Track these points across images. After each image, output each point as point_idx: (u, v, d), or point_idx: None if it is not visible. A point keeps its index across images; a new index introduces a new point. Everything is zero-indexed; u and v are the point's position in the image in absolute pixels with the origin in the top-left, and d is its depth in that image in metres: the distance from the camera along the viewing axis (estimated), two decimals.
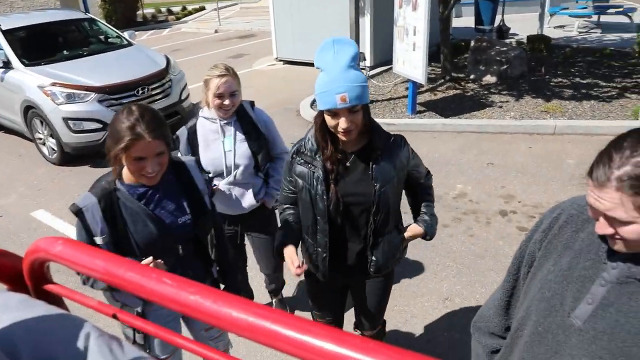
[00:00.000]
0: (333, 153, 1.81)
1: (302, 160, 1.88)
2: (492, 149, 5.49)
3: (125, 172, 1.72)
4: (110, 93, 5.63)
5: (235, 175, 2.49)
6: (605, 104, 6.29)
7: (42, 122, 5.77)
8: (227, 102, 2.33)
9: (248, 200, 2.57)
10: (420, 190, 2.08)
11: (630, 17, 10.30)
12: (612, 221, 0.99)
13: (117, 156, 1.61)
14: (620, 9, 10.73)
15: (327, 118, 1.72)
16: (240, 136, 2.46)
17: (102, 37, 7.30)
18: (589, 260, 1.11)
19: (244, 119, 2.49)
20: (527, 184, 4.64)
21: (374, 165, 1.81)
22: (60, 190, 5.21)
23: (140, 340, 1.87)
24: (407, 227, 2.05)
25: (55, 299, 0.69)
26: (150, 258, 1.65)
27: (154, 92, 5.99)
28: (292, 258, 1.83)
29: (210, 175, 2.46)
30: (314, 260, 2.00)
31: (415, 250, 3.69)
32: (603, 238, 1.08)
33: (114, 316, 0.66)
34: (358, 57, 1.72)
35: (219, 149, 2.44)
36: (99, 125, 5.56)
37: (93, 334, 0.54)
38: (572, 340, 1.10)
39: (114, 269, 0.58)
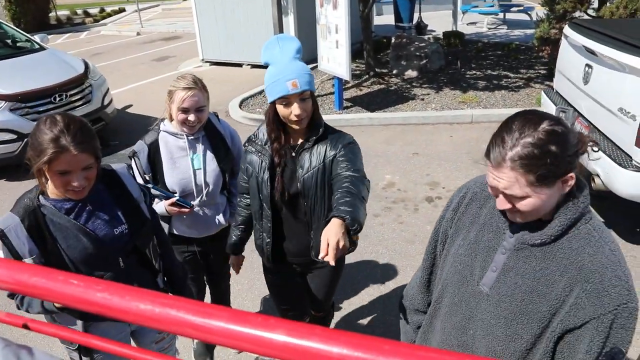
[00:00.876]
0: (283, 145, 1.90)
1: (253, 149, 1.98)
2: (417, 139, 5.80)
3: (50, 186, 1.61)
4: (23, 101, 5.27)
5: (204, 195, 2.29)
6: (514, 93, 6.86)
7: None
8: (192, 117, 2.13)
9: (217, 221, 2.40)
10: (347, 181, 1.81)
11: (529, 15, 11.26)
12: (510, 197, 1.09)
13: (39, 170, 1.51)
14: (521, 7, 11.72)
15: (280, 108, 1.80)
16: (209, 153, 2.27)
17: (8, 41, 6.79)
18: (492, 232, 1.23)
19: (212, 133, 2.30)
20: (449, 170, 4.96)
21: (301, 154, 1.90)
22: None
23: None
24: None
25: None
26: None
27: (73, 99, 5.68)
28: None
29: (176, 195, 2.25)
30: (260, 245, 2.08)
31: None
32: (502, 211, 1.19)
33: (25, 326, 0.61)
34: (301, 51, 1.83)
35: (187, 167, 2.23)
36: (13, 136, 5.19)
37: None
38: (482, 305, 1.22)
39: (17, 275, 0.53)
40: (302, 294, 2.29)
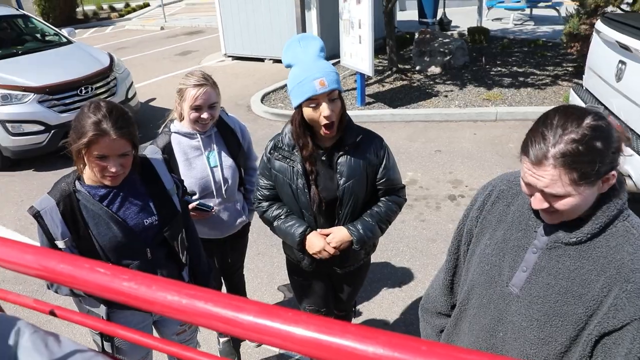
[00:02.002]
0: (313, 150, 1.79)
1: (280, 156, 1.86)
2: (439, 136, 5.71)
3: (86, 172, 1.64)
4: (50, 93, 5.38)
5: (224, 193, 2.25)
6: (540, 91, 6.69)
7: None
8: (205, 115, 2.06)
9: (238, 217, 2.36)
10: (379, 199, 1.97)
11: (558, 11, 10.96)
12: (548, 196, 1.03)
13: (79, 152, 1.54)
14: (549, 3, 11.41)
15: (308, 111, 1.70)
16: (224, 149, 2.23)
17: (38, 35, 6.95)
18: (521, 231, 1.18)
19: (223, 129, 2.24)
20: (473, 168, 4.88)
21: (339, 160, 1.81)
22: (2, 197, 4.95)
23: (108, 348, 1.79)
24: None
25: None
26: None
27: (98, 92, 5.78)
28: (321, 242, 1.84)
29: (196, 196, 2.21)
30: (299, 249, 1.96)
31: None
32: (534, 210, 1.14)
33: (51, 313, 0.63)
34: (324, 49, 1.74)
35: (204, 166, 2.18)
36: (41, 127, 5.31)
37: (26, 331, 0.52)
38: (512, 307, 1.17)
39: (45, 262, 0.54)
40: (328, 294, 2.23)
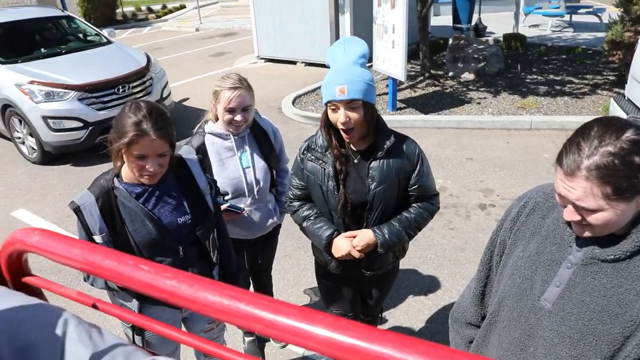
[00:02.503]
0: (340, 151, 1.81)
1: (313, 157, 1.88)
2: (471, 144, 5.62)
3: (124, 170, 1.69)
4: (90, 91, 5.57)
5: (255, 194, 2.27)
6: (578, 100, 6.50)
7: (20, 121, 5.68)
8: (238, 117, 2.10)
9: (269, 218, 2.39)
10: (410, 205, 1.95)
11: (599, 17, 10.62)
12: (580, 209, 1.01)
13: (119, 151, 1.59)
14: (590, 9, 11.06)
15: (329, 112, 1.75)
16: (256, 150, 2.26)
17: (80, 35, 7.21)
18: (555, 245, 1.15)
19: (256, 130, 2.28)
20: (505, 177, 4.77)
21: (371, 164, 1.81)
22: (41, 190, 5.15)
23: (138, 342, 1.83)
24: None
25: (34, 291, 0.69)
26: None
27: (135, 90, 5.94)
28: (347, 245, 1.85)
29: (229, 197, 2.24)
30: (325, 251, 1.96)
31: None
32: (568, 223, 1.11)
33: (94, 306, 0.65)
34: (367, 56, 1.74)
35: (237, 166, 2.21)
36: (80, 124, 5.50)
37: (72, 322, 0.54)
38: (543, 322, 1.14)
39: (91, 257, 0.56)
40: (356, 299, 2.22)
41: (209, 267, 1.92)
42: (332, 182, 1.83)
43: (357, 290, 2.21)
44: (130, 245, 1.70)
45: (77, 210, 1.65)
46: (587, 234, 1.06)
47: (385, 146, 1.81)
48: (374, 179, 1.81)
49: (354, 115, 1.70)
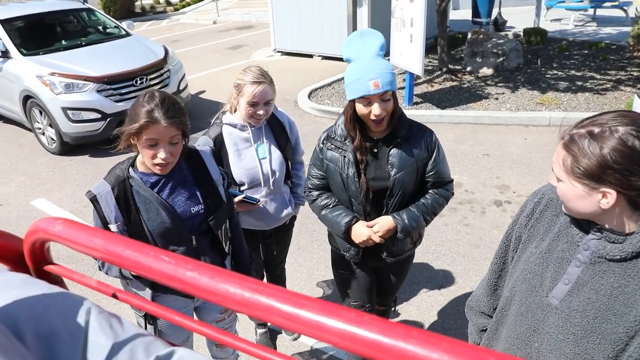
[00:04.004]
0: (362, 142, 1.86)
1: (333, 146, 1.94)
2: (488, 140, 5.55)
3: (139, 160, 1.73)
4: (108, 83, 5.64)
5: (271, 185, 2.29)
6: (599, 97, 6.36)
7: (41, 112, 5.78)
8: (261, 111, 2.12)
9: (285, 210, 2.40)
10: (426, 191, 2.01)
11: (625, 11, 10.35)
12: (555, 174, 1.09)
13: (130, 137, 1.62)
14: (616, 3, 10.77)
15: (359, 106, 1.78)
16: (273, 142, 2.29)
17: (100, 27, 7.29)
18: (566, 243, 1.16)
19: (273, 122, 2.30)
20: (521, 174, 4.71)
21: (391, 151, 1.87)
22: (60, 180, 5.24)
23: (150, 330, 1.86)
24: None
25: (55, 279, 0.69)
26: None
27: (152, 82, 6.00)
28: (367, 230, 1.90)
29: (245, 187, 2.26)
30: (344, 239, 1.99)
31: None
32: (575, 222, 1.13)
33: (114, 295, 0.65)
34: (384, 47, 1.79)
35: (253, 157, 2.23)
36: (98, 115, 5.58)
37: (93, 311, 0.54)
38: (550, 318, 1.15)
39: (112, 247, 0.57)
40: (372, 289, 2.24)
41: (221, 257, 1.95)
42: (352, 169, 1.88)
43: (374, 280, 2.23)
44: (144, 234, 1.73)
45: (94, 199, 1.68)
46: (563, 208, 1.13)
47: (404, 134, 1.87)
48: (393, 166, 1.87)
49: (387, 106, 1.77)
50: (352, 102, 1.80)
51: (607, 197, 0.99)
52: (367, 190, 1.90)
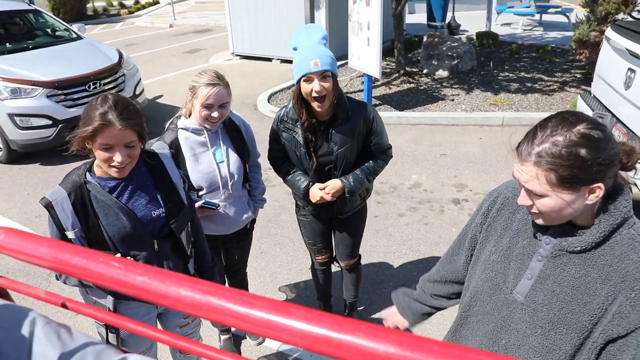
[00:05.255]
0: (309, 122, 2.16)
1: (285, 128, 2.26)
2: (445, 140, 5.70)
3: (96, 164, 1.68)
4: (59, 88, 5.41)
5: (230, 188, 2.28)
6: (548, 97, 6.67)
7: None
8: (215, 114, 2.09)
9: (244, 213, 2.39)
10: (369, 157, 2.38)
11: (568, 17, 10.92)
12: (530, 194, 1.07)
13: (84, 140, 1.56)
14: (559, 9, 11.37)
15: (303, 85, 2.06)
16: (230, 145, 2.27)
17: (49, 30, 6.99)
18: (527, 239, 1.18)
19: (229, 125, 2.29)
20: (478, 173, 4.87)
21: (333, 131, 2.19)
22: (8, 190, 4.99)
23: (112, 340, 1.80)
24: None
25: (0, 292, 0.67)
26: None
27: (106, 87, 5.81)
28: (320, 192, 2.30)
29: (203, 192, 2.25)
30: (299, 187, 2.37)
31: (372, 240, 3.81)
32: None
33: (63, 305, 0.63)
34: (326, 39, 2.10)
35: (210, 161, 2.21)
36: (49, 122, 5.34)
37: (39, 322, 0.52)
38: (516, 315, 1.18)
39: (59, 255, 0.54)
40: (326, 234, 2.65)
41: (183, 260, 1.92)
42: (303, 149, 2.24)
43: (328, 229, 2.64)
44: (104, 240, 1.68)
45: (49, 206, 1.61)
46: (539, 221, 1.11)
47: (344, 115, 2.18)
48: (336, 143, 2.22)
49: (326, 84, 2.04)
50: (299, 83, 2.06)
51: (596, 192, 1.02)
52: (317, 166, 2.29)
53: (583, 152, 0.98)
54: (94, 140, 1.55)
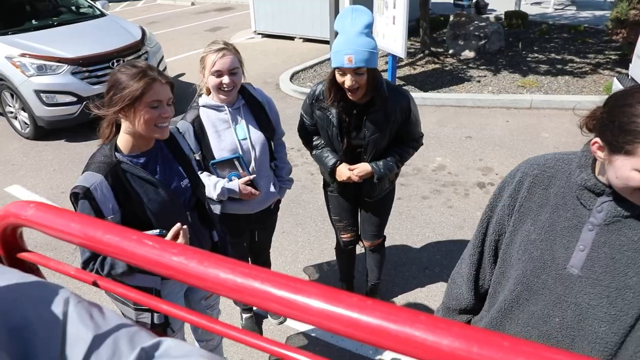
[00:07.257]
0: (344, 106, 2.15)
1: (320, 106, 2.23)
2: (471, 122, 5.57)
3: (122, 142, 1.62)
4: (83, 65, 5.44)
5: (254, 165, 2.23)
6: (579, 80, 6.43)
7: (12, 95, 5.56)
8: (226, 79, 2.02)
9: (270, 192, 2.34)
10: (400, 145, 2.35)
11: None
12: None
13: (123, 108, 1.51)
14: None
15: (337, 75, 2.04)
16: (252, 122, 2.21)
17: (73, 7, 7.00)
18: (570, 211, 1.14)
19: (251, 102, 2.23)
20: (504, 156, 4.75)
21: (368, 117, 2.17)
22: (35, 166, 5.08)
23: (159, 319, 1.78)
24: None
25: (30, 268, 0.65)
26: (176, 226, 1.58)
27: None
28: (348, 172, 2.28)
29: (227, 170, 2.21)
30: (327, 163, 2.36)
31: (395, 222, 3.76)
32: (584, 187, 1.11)
33: (94, 283, 0.61)
34: (372, 25, 1.98)
35: (232, 138, 2.16)
36: (74, 99, 5.38)
37: (72, 300, 0.50)
38: (574, 289, 1.13)
39: (91, 231, 0.52)
40: (351, 211, 2.62)
41: (209, 229, 1.94)
42: (336, 130, 2.21)
43: (354, 207, 2.61)
44: (146, 217, 1.63)
45: (87, 194, 1.50)
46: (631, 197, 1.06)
47: (381, 102, 2.13)
48: (369, 129, 2.19)
49: (359, 80, 2.00)
50: (334, 70, 2.03)
51: (594, 146, 1.07)
52: (347, 148, 2.28)
53: (606, 109, 1.03)
54: (141, 100, 1.51)
